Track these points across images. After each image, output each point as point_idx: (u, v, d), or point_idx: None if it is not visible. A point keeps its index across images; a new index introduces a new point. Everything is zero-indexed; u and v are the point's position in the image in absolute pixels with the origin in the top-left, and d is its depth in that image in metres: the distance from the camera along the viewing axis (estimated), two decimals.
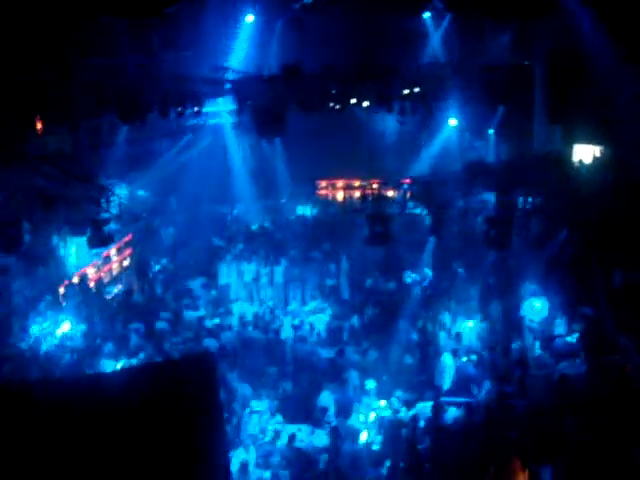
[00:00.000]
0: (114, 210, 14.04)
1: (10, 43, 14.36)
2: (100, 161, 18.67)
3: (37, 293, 16.98)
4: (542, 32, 19.50)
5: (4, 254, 13.66)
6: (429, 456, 11.28)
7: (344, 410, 12.82)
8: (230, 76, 18.08)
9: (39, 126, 16.90)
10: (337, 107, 17.52)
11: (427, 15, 21.52)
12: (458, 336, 15.12)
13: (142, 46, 18.89)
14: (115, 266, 20.18)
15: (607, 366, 13.22)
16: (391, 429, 11.99)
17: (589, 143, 20.18)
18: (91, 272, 19.02)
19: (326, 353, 15.09)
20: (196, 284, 19.17)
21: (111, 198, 13.93)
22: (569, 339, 14.58)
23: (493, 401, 12.72)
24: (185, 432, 6.74)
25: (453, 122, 22.03)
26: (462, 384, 13.61)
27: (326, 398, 12.98)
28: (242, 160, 24.31)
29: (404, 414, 12.44)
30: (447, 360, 14.02)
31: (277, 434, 12.08)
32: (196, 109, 17.32)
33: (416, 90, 18.36)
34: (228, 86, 17.38)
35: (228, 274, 19.62)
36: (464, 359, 14.16)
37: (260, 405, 12.97)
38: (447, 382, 13.80)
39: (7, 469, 6.10)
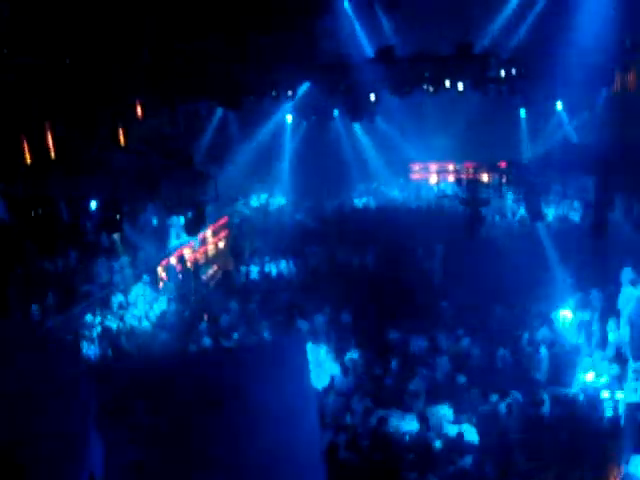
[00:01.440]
0: (212, 193, 14.37)
1: (112, 29, 14.76)
2: (196, 145, 19.15)
3: (137, 272, 17.63)
4: None
5: (107, 234, 14.22)
6: (521, 447, 11.07)
7: (434, 396, 12.73)
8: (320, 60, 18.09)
9: (139, 110, 17.40)
10: (431, 90, 17.21)
11: None
12: (553, 325, 14.72)
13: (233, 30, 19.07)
14: (211, 247, 20.69)
15: None
16: (485, 419, 11.80)
17: None
18: (188, 253, 19.58)
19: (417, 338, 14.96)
20: (285, 265, 19.36)
21: (209, 182, 14.26)
22: None
23: (586, 395, 12.34)
24: (278, 413, 6.86)
25: (559, 106, 21.30)
26: (556, 375, 13.27)
27: (417, 383, 12.92)
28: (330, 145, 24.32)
29: (498, 405, 12.20)
30: (542, 351, 13.68)
31: (367, 417, 12.07)
32: (290, 93, 17.48)
33: (513, 71, 17.83)
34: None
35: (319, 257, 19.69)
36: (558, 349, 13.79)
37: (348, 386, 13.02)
38: (542, 373, 13.47)
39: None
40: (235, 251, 20.84)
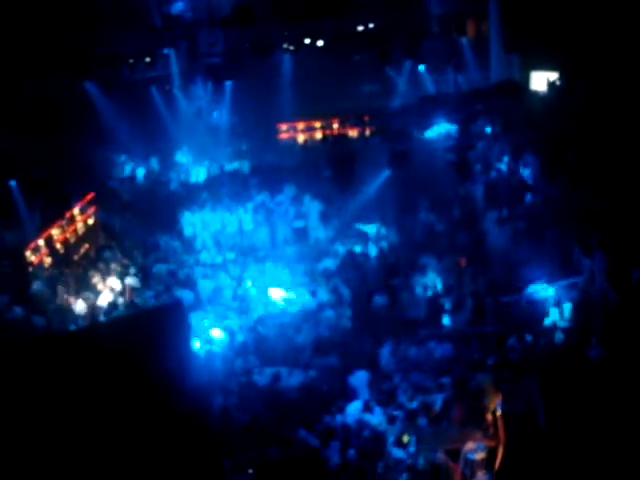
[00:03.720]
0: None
1: None
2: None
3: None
4: None
5: None
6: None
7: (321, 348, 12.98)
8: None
9: None
10: (291, 48, 17.23)
11: None
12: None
13: None
14: (80, 225, 19.96)
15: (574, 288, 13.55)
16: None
17: (546, 70, 20.24)
18: (57, 233, 18.82)
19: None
20: (162, 237, 19.01)
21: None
22: None
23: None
24: (158, 381, 6.79)
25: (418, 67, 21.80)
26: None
27: (303, 337, 13.13)
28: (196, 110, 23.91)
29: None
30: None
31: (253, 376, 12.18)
32: (148, 60, 17.03)
33: (370, 26, 18.15)
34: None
35: (192, 224, 19.45)
36: None
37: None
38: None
39: None
40: (106, 226, 20.21)
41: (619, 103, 16.47)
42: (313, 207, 18.67)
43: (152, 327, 7.36)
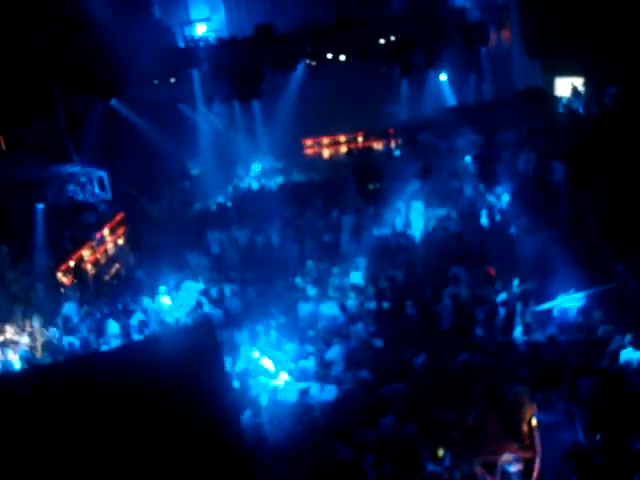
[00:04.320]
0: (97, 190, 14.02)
1: None
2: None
3: (32, 281, 17.05)
4: None
5: None
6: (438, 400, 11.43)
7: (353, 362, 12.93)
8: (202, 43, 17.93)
9: None
10: (313, 64, 17.33)
11: None
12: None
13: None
14: (110, 246, 20.21)
15: (605, 296, 13.35)
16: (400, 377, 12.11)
17: (571, 75, 20.08)
18: (87, 254, 19.06)
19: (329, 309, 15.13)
20: (191, 255, 19.15)
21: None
22: None
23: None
24: (192, 399, 6.83)
25: (443, 77, 21.79)
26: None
27: (333, 352, 13.09)
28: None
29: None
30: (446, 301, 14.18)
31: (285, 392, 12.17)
32: (173, 80, 17.23)
33: (392, 39, 18.18)
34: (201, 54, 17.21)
35: (221, 242, 19.56)
36: None
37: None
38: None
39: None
40: (135, 246, 20.41)
41: None
42: (343, 221, 18.70)
43: (184, 346, 7.42)
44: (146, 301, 16.39)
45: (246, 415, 10.98)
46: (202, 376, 6.94)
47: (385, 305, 14.79)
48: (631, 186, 15.09)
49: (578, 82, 19.97)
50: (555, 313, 13.47)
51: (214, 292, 16.48)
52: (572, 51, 18.65)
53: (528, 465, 9.67)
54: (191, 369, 6.96)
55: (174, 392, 6.78)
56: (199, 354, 7.13)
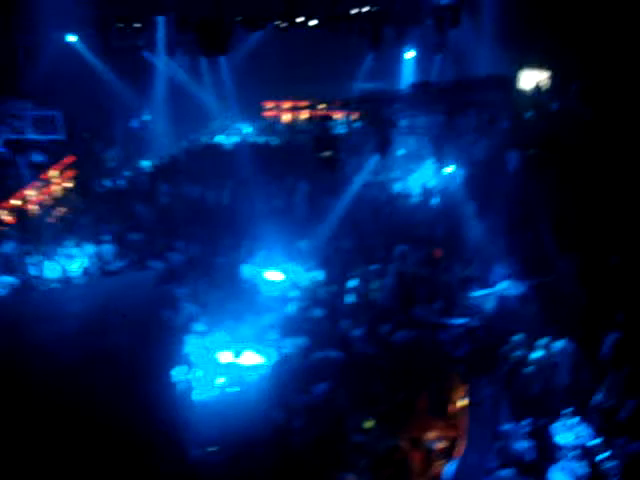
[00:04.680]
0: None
1: None
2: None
3: None
4: None
5: None
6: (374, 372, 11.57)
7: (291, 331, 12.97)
8: None
9: None
10: (283, 25, 17.10)
11: None
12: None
13: None
14: (57, 188, 19.76)
15: (544, 287, 13.65)
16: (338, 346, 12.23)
17: (537, 68, 20.27)
18: (32, 194, 18.62)
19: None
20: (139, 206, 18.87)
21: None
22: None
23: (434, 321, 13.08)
24: (126, 349, 6.77)
25: (410, 55, 21.73)
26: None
27: (273, 318, 13.13)
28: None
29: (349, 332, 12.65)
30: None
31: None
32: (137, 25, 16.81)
33: (365, 10, 18.04)
34: None
35: (169, 195, 19.31)
36: None
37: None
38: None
39: None
40: (84, 191, 20.01)
41: (607, 105, 16.61)
42: (298, 187, 18.63)
43: (121, 293, 7.35)
44: (89, 247, 16.14)
45: (178, 370, 10.96)
46: (140, 325, 6.88)
47: (328, 275, 14.84)
48: (583, 182, 15.41)
49: (543, 75, 20.20)
50: (493, 299, 13.73)
51: (158, 244, 16.31)
52: (539, 44, 18.82)
53: (452, 444, 9.91)
54: (129, 318, 6.91)
55: (107, 336, 6.72)
56: (138, 303, 7.07)
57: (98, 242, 16.38)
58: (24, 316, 6.74)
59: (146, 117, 23.31)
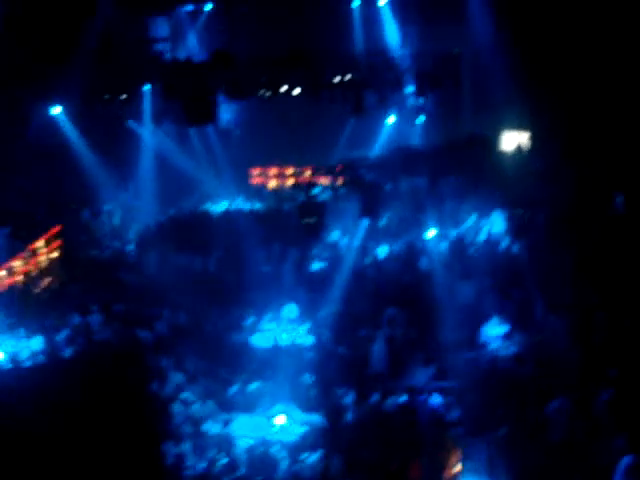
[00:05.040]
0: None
1: None
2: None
3: None
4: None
5: None
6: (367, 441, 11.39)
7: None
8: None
9: None
10: (267, 94, 17.40)
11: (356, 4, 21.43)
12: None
13: None
14: (43, 259, 19.69)
15: (536, 346, 13.61)
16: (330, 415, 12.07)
17: (517, 129, 20.66)
18: (18, 265, 18.55)
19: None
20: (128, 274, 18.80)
21: None
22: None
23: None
24: (115, 425, 6.64)
25: (391, 119, 22.12)
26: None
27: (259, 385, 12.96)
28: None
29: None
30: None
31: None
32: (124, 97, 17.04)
33: (347, 78, 18.37)
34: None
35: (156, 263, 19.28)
36: None
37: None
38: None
39: None
40: (70, 262, 19.91)
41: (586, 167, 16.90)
42: (288, 253, 18.65)
43: (109, 367, 7.22)
44: (75, 318, 15.98)
45: (168, 444, 10.72)
46: (126, 399, 6.75)
47: (318, 341, 14.72)
48: (567, 239, 15.53)
49: (524, 136, 20.56)
50: (485, 360, 13.64)
51: (145, 313, 16.18)
52: (519, 106, 19.20)
53: None
54: (115, 391, 6.77)
55: (94, 413, 6.57)
56: (125, 376, 6.95)
57: (84, 312, 16.23)
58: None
59: (106, 207, 23.22)
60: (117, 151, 21.74)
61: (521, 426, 11.32)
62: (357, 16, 20.97)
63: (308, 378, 13.25)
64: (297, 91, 17.53)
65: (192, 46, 20.29)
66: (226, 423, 11.77)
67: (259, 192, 25.84)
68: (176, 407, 12.16)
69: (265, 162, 26.00)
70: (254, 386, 12.94)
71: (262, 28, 19.27)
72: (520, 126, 20.47)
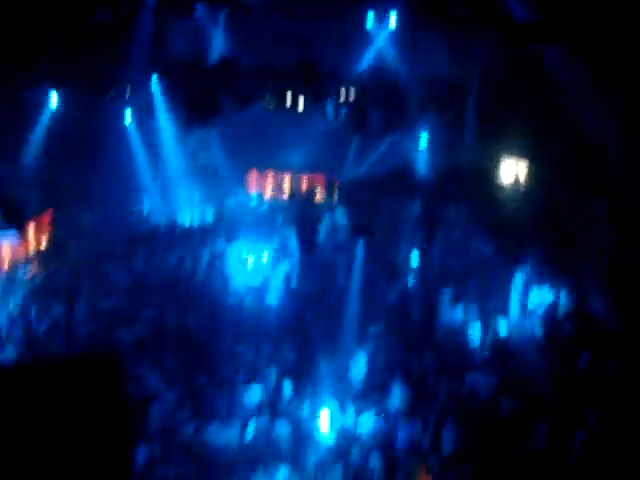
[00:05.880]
0: None
1: None
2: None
3: None
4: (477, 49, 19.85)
5: None
6: None
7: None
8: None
9: None
10: (271, 107, 17.41)
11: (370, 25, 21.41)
12: None
13: None
14: (32, 244, 19.55)
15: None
16: None
17: (518, 158, 20.69)
18: (7, 249, 18.43)
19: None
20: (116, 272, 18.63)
21: None
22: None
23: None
24: (86, 427, 6.55)
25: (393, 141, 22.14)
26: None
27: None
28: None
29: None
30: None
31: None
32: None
33: (352, 97, 18.40)
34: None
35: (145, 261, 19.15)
36: None
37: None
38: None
39: None
40: (58, 252, 19.77)
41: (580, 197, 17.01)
42: None
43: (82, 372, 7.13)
44: (59, 309, 15.89)
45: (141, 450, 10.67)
46: (98, 401, 6.67)
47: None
48: (563, 267, 15.60)
49: (522, 164, 20.60)
50: (465, 389, 13.60)
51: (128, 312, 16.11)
52: (518, 134, 19.27)
53: None
54: (87, 392, 6.69)
55: (65, 418, 6.49)
56: (99, 381, 6.86)
57: (68, 304, 16.15)
58: None
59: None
60: (110, 145, 21.68)
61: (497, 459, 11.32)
62: (369, 37, 21.00)
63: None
64: (301, 105, 17.57)
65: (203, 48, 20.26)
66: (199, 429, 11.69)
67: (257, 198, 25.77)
68: (151, 410, 12.09)
69: (262, 168, 25.91)
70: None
71: (273, 40, 19.25)
72: (518, 154, 20.52)
